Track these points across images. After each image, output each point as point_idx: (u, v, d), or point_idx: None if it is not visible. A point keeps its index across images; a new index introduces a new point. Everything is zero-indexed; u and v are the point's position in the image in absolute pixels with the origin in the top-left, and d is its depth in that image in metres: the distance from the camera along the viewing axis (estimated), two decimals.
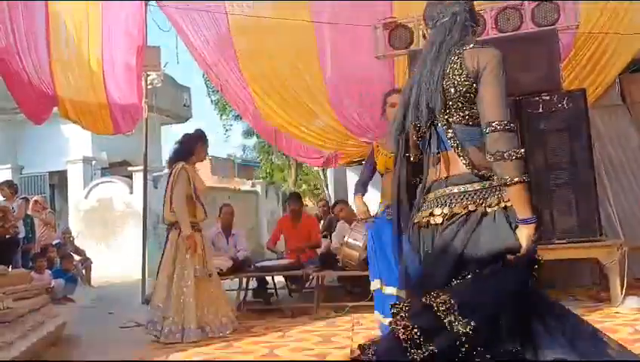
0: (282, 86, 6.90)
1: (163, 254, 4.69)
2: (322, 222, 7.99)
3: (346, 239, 5.45)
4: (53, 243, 8.59)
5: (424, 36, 2.27)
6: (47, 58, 5.41)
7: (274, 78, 6.89)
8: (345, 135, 7.25)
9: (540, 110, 4.94)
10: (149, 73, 6.74)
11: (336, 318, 5.06)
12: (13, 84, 5.00)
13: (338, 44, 6.64)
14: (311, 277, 6.00)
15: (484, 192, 1.91)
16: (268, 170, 20.80)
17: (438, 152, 2.00)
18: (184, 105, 16.78)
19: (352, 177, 13.07)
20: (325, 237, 7.07)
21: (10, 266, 6.11)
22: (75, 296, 7.37)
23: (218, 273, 5.61)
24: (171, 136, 18.87)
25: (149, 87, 6.93)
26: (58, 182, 13.85)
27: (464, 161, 1.93)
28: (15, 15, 5.06)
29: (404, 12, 5.81)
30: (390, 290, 3.96)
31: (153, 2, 6.45)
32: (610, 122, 6.27)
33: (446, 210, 1.94)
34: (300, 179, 21.04)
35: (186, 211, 4.60)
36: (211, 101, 19.73)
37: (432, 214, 1.97)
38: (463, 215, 1.91)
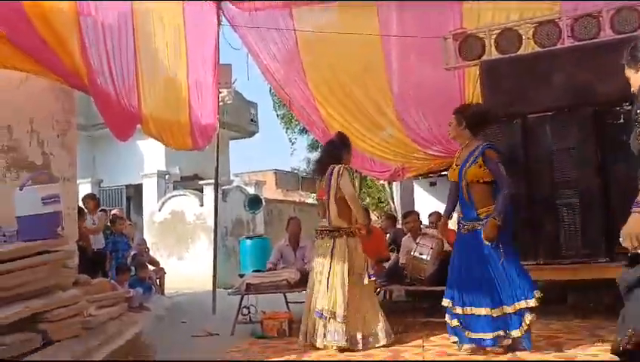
0: (347, 97, 6.91)
1: (329, 261, 4.53)
2: (388, 235, 7.90)
3: (413, 253, 5.43)
4: (131, 253, 8.95)
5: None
6: (134, 79, 5.76)
7: (339, 90, 6.93)
8: (411, 147, 7.13)
9: (622, 120, 4.71)
10: (221, 90, 6.97)
11: (405, 334, 4.97)
12: (103, 104, 5.30)
13: (405, 55, 6.60)
14: (377, 291, 5.94)
15: None
16: None
17: None
18: (251, 120, 17.22)
19: (419, 190, 12.85)
20: (392, 251, 6.98)
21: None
22: (150, 304, 7.65)
23: (286, 285, 5.72)
24: (237, 150, 19.36)
25: (221, 103, 7.15)
26: (134, 194, 14.52)
27: None
28: (108, 39, 5.39)
29: (475, 23, 5.72)
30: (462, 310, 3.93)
31: (226, 22, 6.71)
32: None
33: None
34: (364, 192, 20.93)
35: (359, 203, 4.78)
36: (277, 115, 20.10)
37: None
38: None
